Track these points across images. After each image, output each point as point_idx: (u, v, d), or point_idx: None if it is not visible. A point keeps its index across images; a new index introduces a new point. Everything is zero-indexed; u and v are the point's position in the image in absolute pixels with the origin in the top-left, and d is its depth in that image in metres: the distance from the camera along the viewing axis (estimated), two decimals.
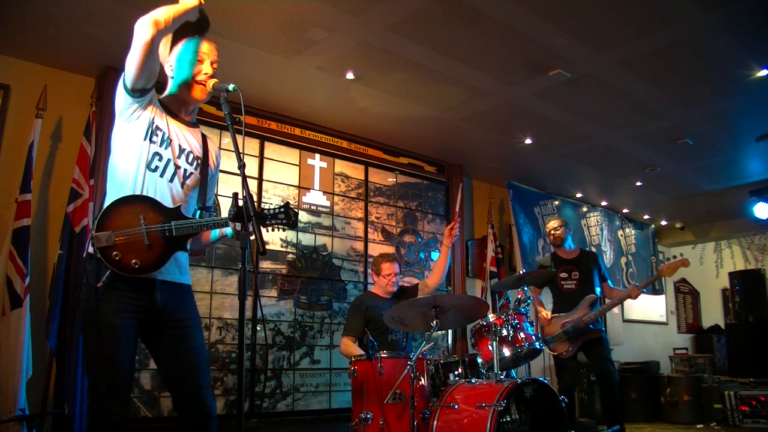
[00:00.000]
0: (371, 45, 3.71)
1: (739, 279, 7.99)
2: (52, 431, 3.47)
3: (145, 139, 2.04)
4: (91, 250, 1.96)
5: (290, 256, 4.67)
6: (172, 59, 2.20)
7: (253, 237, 1.91)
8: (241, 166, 1.97)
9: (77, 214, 3.60)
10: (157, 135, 2.07)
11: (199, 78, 2.16)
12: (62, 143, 3.89)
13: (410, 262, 5.46)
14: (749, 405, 6.13)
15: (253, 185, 4.52)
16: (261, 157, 4.62)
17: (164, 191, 2.07)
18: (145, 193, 2.02)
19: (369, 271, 5.09)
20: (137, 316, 2.00)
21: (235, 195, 2.03)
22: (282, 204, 2.14)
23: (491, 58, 3.88)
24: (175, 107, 2.20)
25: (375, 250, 5.18)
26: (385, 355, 3.14)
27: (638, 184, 6.71)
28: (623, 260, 7.86)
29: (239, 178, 1.90)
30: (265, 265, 4.51)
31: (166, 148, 2.09)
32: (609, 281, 4.55)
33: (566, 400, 3.14)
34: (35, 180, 3.57)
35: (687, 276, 9.32)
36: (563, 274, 4.45)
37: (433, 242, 5.74)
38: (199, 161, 2.20)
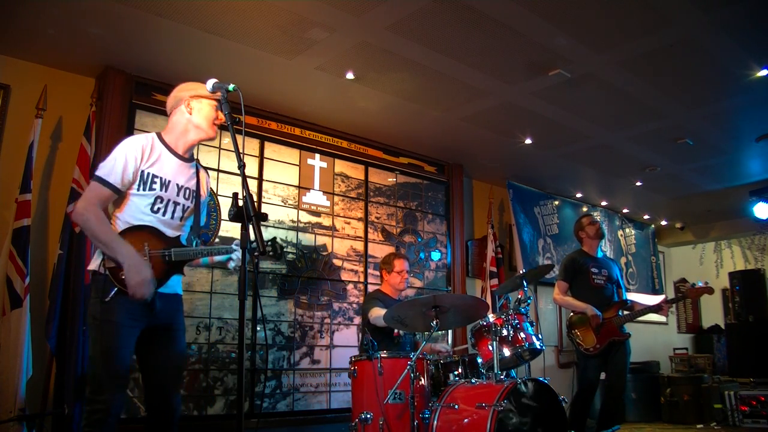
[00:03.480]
0: (371, 45, 3.71)
1: (739, 279, 7.98)
2: (52, 431, 3.47)
3: (144, 189, 2.31)
4: (101, 269, 2.22)
5: (290, 256, 4.67)
6: (195, 103, 2.43)
7: (253, 237, 1.93)
8: (241, 166, 2.00)
9: None
10: (155, 182, 2.33)
11: (216, 121, 2.46)
12: (62, 143, 3.90)
13: (410, 262, 5.45)
14: (749, 405, 6.13)
15: (253, 185, 4.52)
16: (261, 157, 4.62)
17: (165, 225, 2.36)
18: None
19: (373, 271, 5.09)
20: (140, 321, 2.26)
21: (235, 195, 2.06)
22: (269, 239, 2.39)
23: (491, 58, 3.88)
24: (179, 145, 2.44)
25: (375, 250, 5.19)
26: (385, 355, 3.14)
27: (638, 184, 6.72)
28: (623, 260, 7.86)
29: (239, 178, 1.92)
30: (265, 265, 4.51)
31: (166, 191, 2.36)
32: (623, 290, 4.57)
33: (565, 400, 3.13)
34: (35, 180, 3.58)
35: (687, 276, 9.32)
36: (594, 269, 4.42)
37: (433, 242, 5.74)
38: (194, 194, 2.48)
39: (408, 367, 2.91)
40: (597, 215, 7.42)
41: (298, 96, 4.46)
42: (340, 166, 5.14)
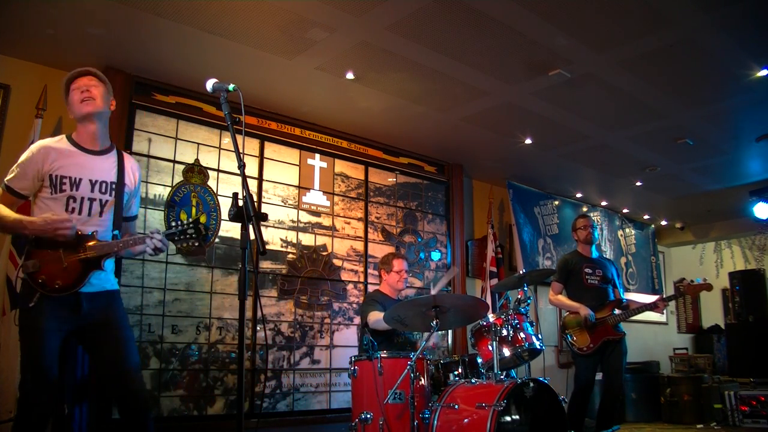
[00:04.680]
0: (371, 45, 3.71)
1: (739, 279, 7.98)
2: (52, 431, 3.46)
3: (56, 192, 2.35)
4: (19, 273, 2.30)
5: (290, 256, 4.67)
6: (67, 98, 2.49)
7: (253, 237, 1.93)
8: (241, 166, 2.00)
9: None
10: (64, 183, 2.36)
11: (82, 95, 2.44)
12: None
13: (410, 262, 5.45)
14: (749, 405, 6.12)
15: (253, 185, 4.52)
16: (261, 157, 4.62)
17: (81, 223, 2.38)
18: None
19: (373, 271, 5.09)
20: (66, 323, 2.31)
21: (235, 195, 2.07)
22: (191, 220, 2.40)
23: (491, 58, 3.88)
24: (85, 140, 2.47)
25: (375, 250, 5.18)
26: (385, 355, 3.14)
27: (638, 184, 6.72)
28: (623, 260, 7.86)
29: (239, 178, 1.92)
30: (265, 265, 4.51)
31: (77, 189, 2.38)
32: (620, 289, 4.58)
33: (564, 400, 3.13)
34: None
35: (687, 276, 9.31)
36: (587, 270, 4.45)
37: (433, 242, 5.74)
38: (112, 187, 2.47)
39: (408, 367, 2.92)
40: (596, 215, 7.42)
41: (298, 96, 4.46)
42: (340, 166, 5.14)
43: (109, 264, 2.48)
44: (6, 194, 2.37)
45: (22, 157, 2.37)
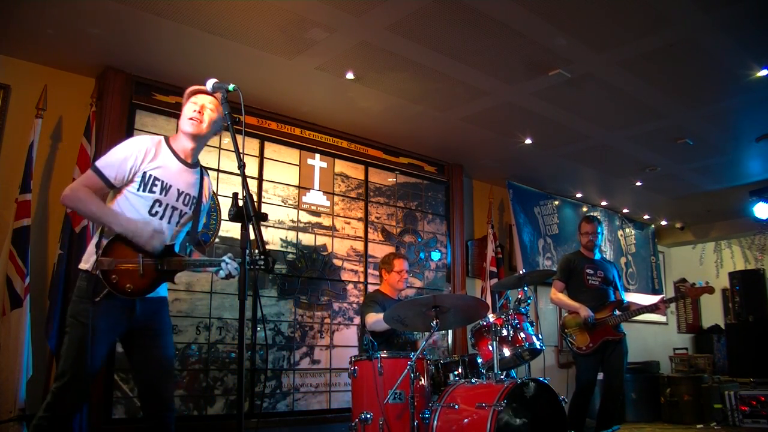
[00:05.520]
0: (371, 45, 3.71)
1: (739, 279, 7.99)
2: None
3: (144, 191, 2.32)
4: (89, 267, 2.24)
5: (290, 256, 4.66)
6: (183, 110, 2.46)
7: (253, 237, 1.93)
8: (241, 166, 2.01)
9: (77, 215, 3.59)
10: (156, 185, 2.34)
11: (193, 113, 2.41)
12: (62, 143, 3.89)
13: (410, 262, 5.44)
14: (749, 405, 6.13)
15: (253, 185, 4.52)
16: (261, 157, 4.62)
17: (161, 231, 2.35)
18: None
19: (373, 271, 5.09)
20: (119, 325, 2.31)
21: (235, 195, 2.08)
22: (262, 251, 2.30)
23: (491, 58, 3.88)
24: (180, 151, 2.46)
25: (375, 250, 5.18)
26: (385, 355, 3.15)
27: (638, 184, 6.72)
28: (623, 260, 7.86)
29: (239, 178, 1.92)
30: None
31: (165, 195, 2.37)
32: (621, 291, 4.59)
33: (565, 400, 3.13)
34: (35, 180, 3.57)
35: (687, 276, 9.32)
36: (589, 270, 4.48)
37: (433, 242, 5.74)
38: (194, 201, 2.49)
39: (408, 367, 2.92)
40: (596, 215, 7.41)
41: (298, 96, 4.46)
42: (340, 166, 5.14)
43: None
44: (94, 176, 2.26)
45: (123, 148, 2.31)
